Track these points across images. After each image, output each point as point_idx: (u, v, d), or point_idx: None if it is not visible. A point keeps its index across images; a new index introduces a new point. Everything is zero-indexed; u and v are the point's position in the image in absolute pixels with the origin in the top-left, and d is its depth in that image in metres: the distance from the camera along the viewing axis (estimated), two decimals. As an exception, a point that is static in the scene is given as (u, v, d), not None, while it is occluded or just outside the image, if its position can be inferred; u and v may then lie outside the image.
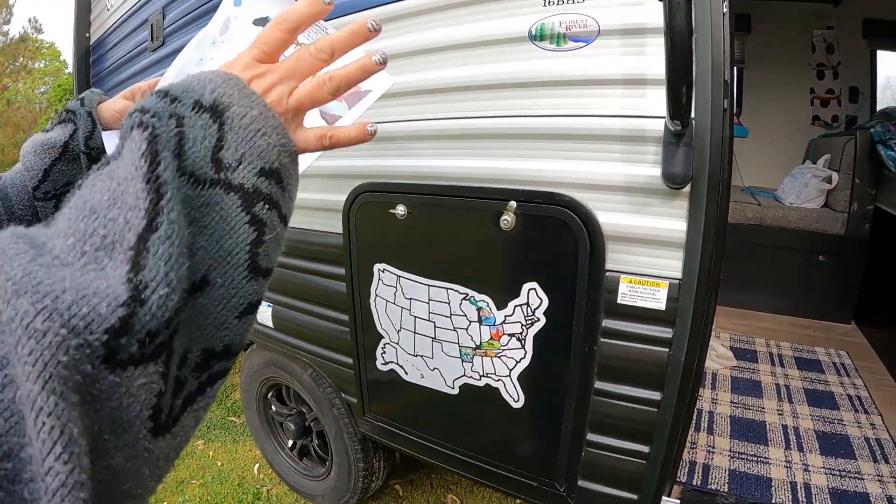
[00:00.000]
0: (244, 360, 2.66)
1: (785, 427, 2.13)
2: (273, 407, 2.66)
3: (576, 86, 1.34)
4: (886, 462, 1.93)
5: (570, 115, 1.35)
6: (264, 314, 2.26)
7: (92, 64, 3.62)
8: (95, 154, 0.90)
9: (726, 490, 1.77)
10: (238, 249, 0.44)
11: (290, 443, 2.64)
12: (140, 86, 0.96)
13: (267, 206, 0.45)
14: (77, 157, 0.90)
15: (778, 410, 2.21)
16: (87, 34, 3.61)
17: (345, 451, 2.24)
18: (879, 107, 3.75)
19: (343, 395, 2.10)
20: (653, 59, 1.23)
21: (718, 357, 2.49)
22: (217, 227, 0.42)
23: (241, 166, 0.44)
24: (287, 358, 2.29)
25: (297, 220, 2.00)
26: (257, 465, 2.89)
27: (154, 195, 0.36)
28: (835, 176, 3.15)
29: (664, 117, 1.21)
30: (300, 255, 2.02)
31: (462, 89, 1.49)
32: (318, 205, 1.90)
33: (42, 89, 21.38)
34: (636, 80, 1.27)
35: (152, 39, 2.70)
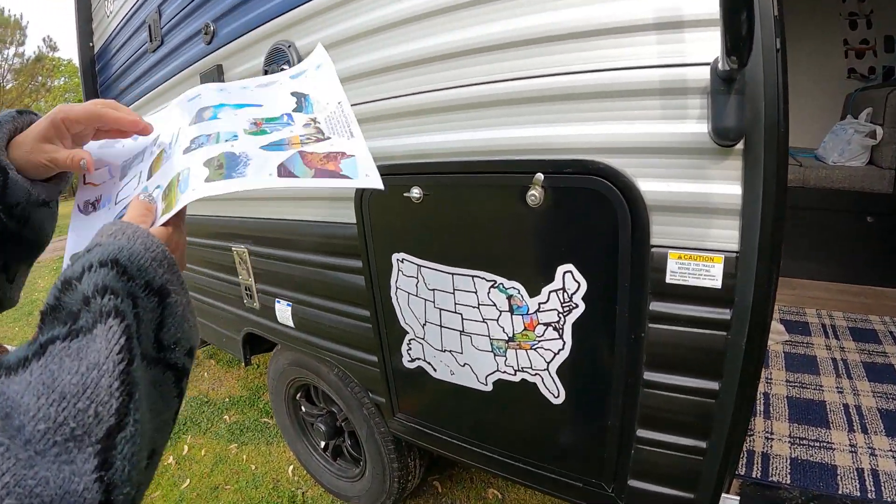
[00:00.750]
0: (270, 362, 2.57)
1: (846, 406, 1.95)
2: (303, 408, 2.58)
3: (603, 35, 1.16)
4: None
5: (598, 70, 1.18)
6: (284, 314, 2.15)
7: (98, 73, 3.57)
8: (18, 211, 0.64)
9: (789, 481, 1.61)
10: (171, 419, 0.48)
11: (323, 444, 2.55)
12: (64, 118, 0.65)
13: (187, 379, 0.50)
14: None
15: (837, 388, 2.03)
16: (91, 43, 3.56)
17: (378, 452, 2.13)
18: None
19: (371, 394, 1.98)
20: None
21: (770, 332, 2.32)
22: (159, 403, 0.45)
23: (177, 348, 0.48)
24: (312, 358, 2.19)
25: (308, 213, 1.89)
26: (291, 467, 2.81)
27: (126, 396, 0.39)
28: (879, 130, 2.93)
29: (708, 63, 1.05)
30: (314, 250, 1.90)
31: (475, 51, 1.33)
32: (328, 194, 1.77)
33: (64, 106, 22.02)
34: (672, 22, 1.08)
35: (151, 40, 2.63)
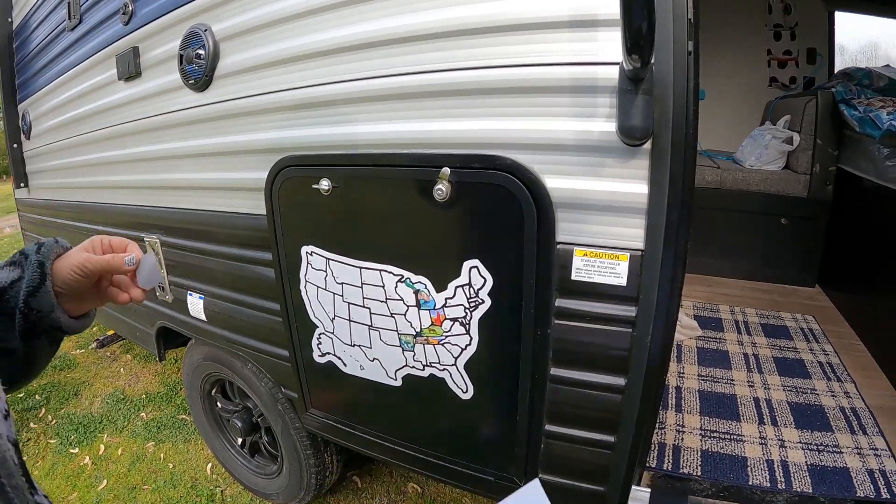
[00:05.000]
0: (185, 356, 2.47)
1: (757, 400, 2.01)
2: (219, 404, 2.49)
3: (515, 31, 1.15)
4: (864, 433, 1.83)
5: (509, 66, 1.16)
6: (196, 307, 2.07)
7: (16, 50, 3.37)
8: (34, 318, 0.69)
9: (699, 473, 1.64)
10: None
11: (240, 440, 2.48)
12: (102, 239, 0.78)
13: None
14: (10, 314, 0.68)
15: (748, 382, 2.09)
16: (10, 18, 3.37)
17: (293, 448, 2.08)
18: (838, 69, 3.66)
19: (284, 389, 1.93)
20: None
21: (683, 327, 2.37)
22: None
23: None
24: (226, 352, 2.11)
25: (219, 203, 1.82)
26: (210, 465, 2.72)
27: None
28: (796, 137, 3.04)
29: (618, 63, 1.04)
30: (225, 241, 1.83)
31: (384, 43, 1.30)
32: (239, 184, 1.71)
33: None
34: (585, 21, 1.08)
35: (70, 18, 2.48)
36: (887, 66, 3.29)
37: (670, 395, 1.96)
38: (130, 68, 2.06)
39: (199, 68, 1.73)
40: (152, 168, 2.12)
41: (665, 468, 1.65)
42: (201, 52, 1.70)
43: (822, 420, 1.90)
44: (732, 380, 2.10)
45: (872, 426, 1.87)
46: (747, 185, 3.09)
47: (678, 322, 2.34)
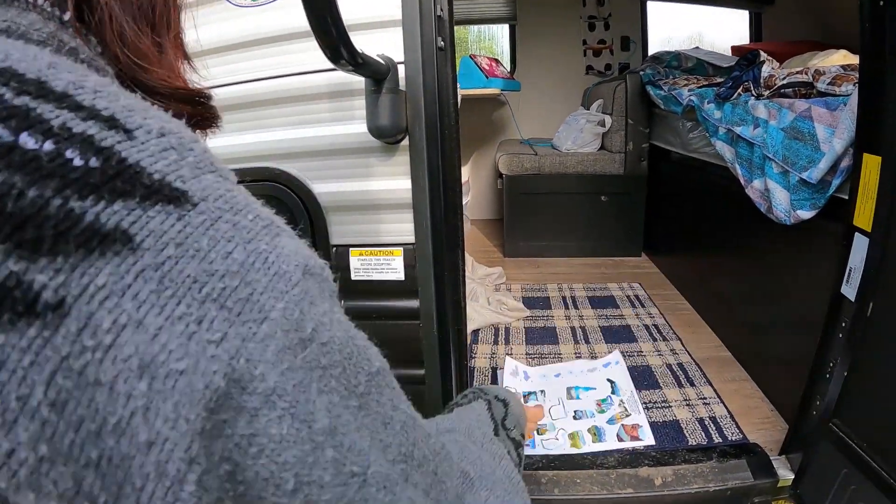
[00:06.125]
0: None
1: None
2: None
3: (276, 42, 1.17)
4: (692, 385, 1.95)
5: (271, 77, 1.19)
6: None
7: None
8: None
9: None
10: (518, 477, 0.59)
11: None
12: None
13: (521, 450, 0.67)
14: None
15: (576, 353, 2.19)
16: None
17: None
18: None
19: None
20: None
21: (509, 310, 2.45)
22: (509, 465, 0.59)
23: (514, 429, 0.68)
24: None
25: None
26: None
27: (494, 425, 0.67)
28: (607, 119, 3.25)
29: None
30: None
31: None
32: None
33: None
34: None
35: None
36: (696, 48, 3.57)
37: (499, 377, 2.01)
38: None
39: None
40: None
41: (496, 447, 1.70)
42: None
43: (650, 379, 2.00)
44: (560, 354, 2.19)
45: (700, 377, 1.99)
46: (565, 167, 3.25)
47: (504, 305, 2.44)
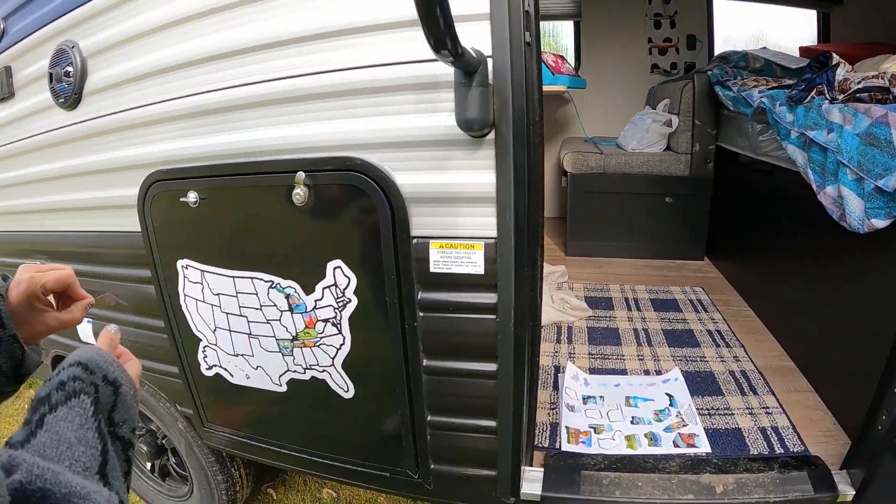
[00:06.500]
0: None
1: (647, 373, 2.10)
2: (121, 429, 2.41)
3: (357, 33, 1.18)
4: (755, 393, 1.93)
5: (355, 68, 1.19)
6: (85, 331, 2.00)
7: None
8: (23, 373, 0.72)
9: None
10: (122, 474, 0.57)
11: (148, 465, 2.41)
12: (44, 284, 0.74)
13: (132, 450, 0.62)
14: None
15: (639, 356, 2.18)
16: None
17: (200, 466, 2.04)
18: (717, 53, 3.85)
19: (179, 407, 1.90)
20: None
21: (573, 309, 2.45)
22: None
23: (124, 425, 0.61)
24: (120, 375, 2.05)
25: (97, 223, 1.78)
26: (124, 493, 2.63)
27: (102, 441, 0.56)
28: (674, 119, 3.20)
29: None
30: (107, 262, 1.79)
31: (231, 54, 1.30)
32: (114, 202, 1.67)
33: None
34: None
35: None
36: (764, 48, 3.48)
37: (559, 380, 2.02)
38: (3, 89, 1.98)
39: (68, 86, 1.68)
40: (32, 191, 2.04)
41: (558, 447, 1.70)
42: (70, 69, 1.66)
43: (713, 385, 1.99)
44: (623, 355, 2.19)
45: (763, 386, 1.97)
46: (630, 167, 3.21)
47: (567, 304, 2.42)
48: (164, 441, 2.25)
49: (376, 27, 1.16)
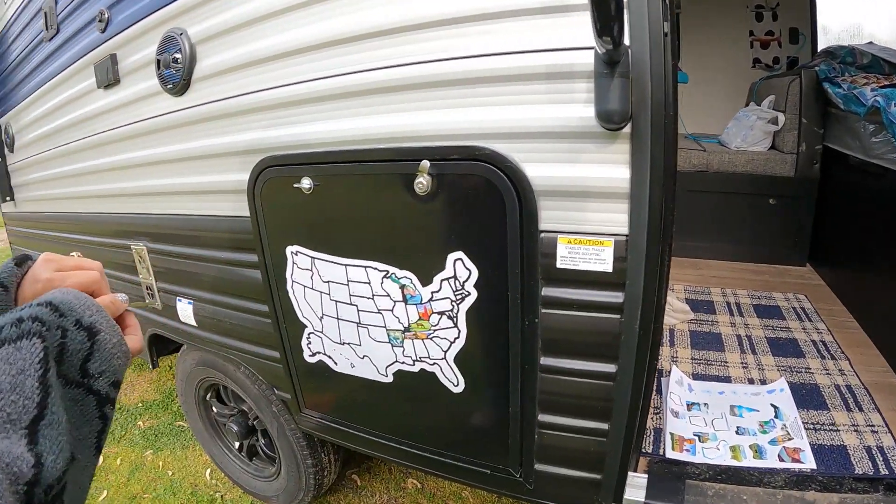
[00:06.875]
0: (177, 363, 2.46)
1: (752, 381, 2.01)
2: (214, 408, 2.48)
3: (488, 20, 1.14)
4: (860, 410, 1.83)
5: (483, 55, 1.15)
6: (186, 312, 2.05)
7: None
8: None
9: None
10: (92, 435, 0.54)
11: (237, 444, 2.47)
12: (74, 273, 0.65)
13: (111, 407, 0.56)
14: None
15: (742, 363, 2.09)
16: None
17: (290, 449, 2.07)
18: (821, 48, 3.66)
19: (277, 391, 1.92)
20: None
21: (675, 311, 2.36)
22: (79, 418, 0.52)
23: (101, 378, 0.55)
24: (218, 356, 2.10)
25: (203, 207, 1.81)
26: (209, 470, 2.71)
27: (44, 395, 0.48)
28: (781, 117, 3.04)
29: (593, 47, 1.03)
30: (211, 245, 1.82)
31: (358, 38, 1.28)
32: (222, 187, 1.69)
33: None
34: (558, 7, 1.07)
35: (47, 28, 2.45)
36: (870, 43, 3.28)
37: (663, 384, 1.95)
38: (109, 76, 2.04)
39: (176, 72, 1.71)
40: (135, 175, 2.10)
41: (661, 453, 1.65)
42: (178, 56, 1.69)
43: (818, 399, 1.90)
44: (726, 362, 2.10)
45: (869, 403, 1.87)
46: (734, 166, 3.08)
47: (669, 306, 2.34)
48: (255, 422, 2.30)
49: (507, 13, 1.12)
